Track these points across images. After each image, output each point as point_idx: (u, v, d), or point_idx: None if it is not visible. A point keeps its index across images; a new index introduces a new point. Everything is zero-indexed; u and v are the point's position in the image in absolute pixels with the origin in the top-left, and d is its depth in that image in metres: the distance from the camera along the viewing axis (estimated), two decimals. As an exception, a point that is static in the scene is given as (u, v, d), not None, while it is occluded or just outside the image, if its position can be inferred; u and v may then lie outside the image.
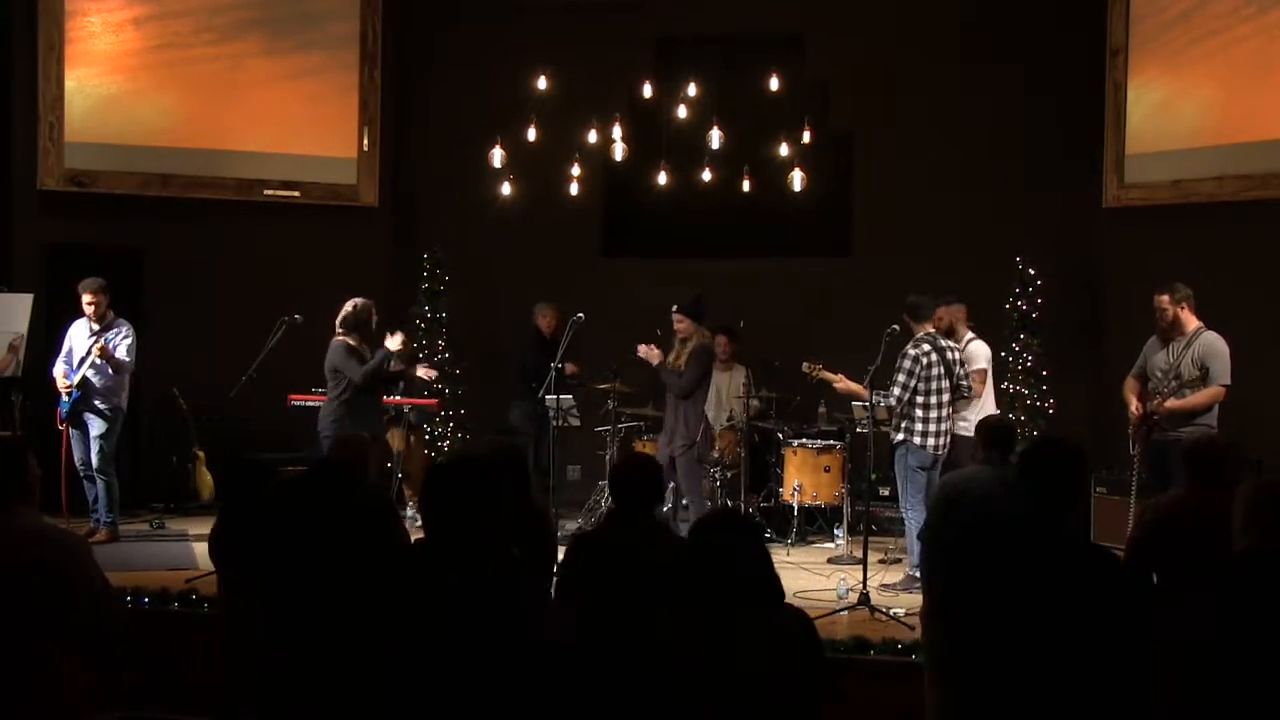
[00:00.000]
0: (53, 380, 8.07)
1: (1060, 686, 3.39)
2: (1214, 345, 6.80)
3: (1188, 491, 4.70)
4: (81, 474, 8.10)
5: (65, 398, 7.95)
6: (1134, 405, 6.98)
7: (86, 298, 8.00)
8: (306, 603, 4.19)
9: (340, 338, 7.69)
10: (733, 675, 3.31)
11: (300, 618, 4.19)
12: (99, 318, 8.03)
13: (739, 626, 3.36)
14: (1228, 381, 6.75)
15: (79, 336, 8.07)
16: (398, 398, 8.87)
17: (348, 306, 7.75)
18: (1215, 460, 4.68)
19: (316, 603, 4.14)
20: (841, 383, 7.59)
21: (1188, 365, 6.81)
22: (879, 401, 7.22)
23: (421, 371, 8.40)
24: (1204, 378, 6.71)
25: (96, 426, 8.01)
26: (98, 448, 7.99)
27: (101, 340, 7.90)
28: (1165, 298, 6.94)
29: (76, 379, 7.92)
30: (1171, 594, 4.32)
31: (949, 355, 7.37)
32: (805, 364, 8.13)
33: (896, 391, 7.20)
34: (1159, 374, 6.93)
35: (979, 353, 7.89)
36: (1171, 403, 6.75)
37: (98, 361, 7.91)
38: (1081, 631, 3.39)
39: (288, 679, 4.15)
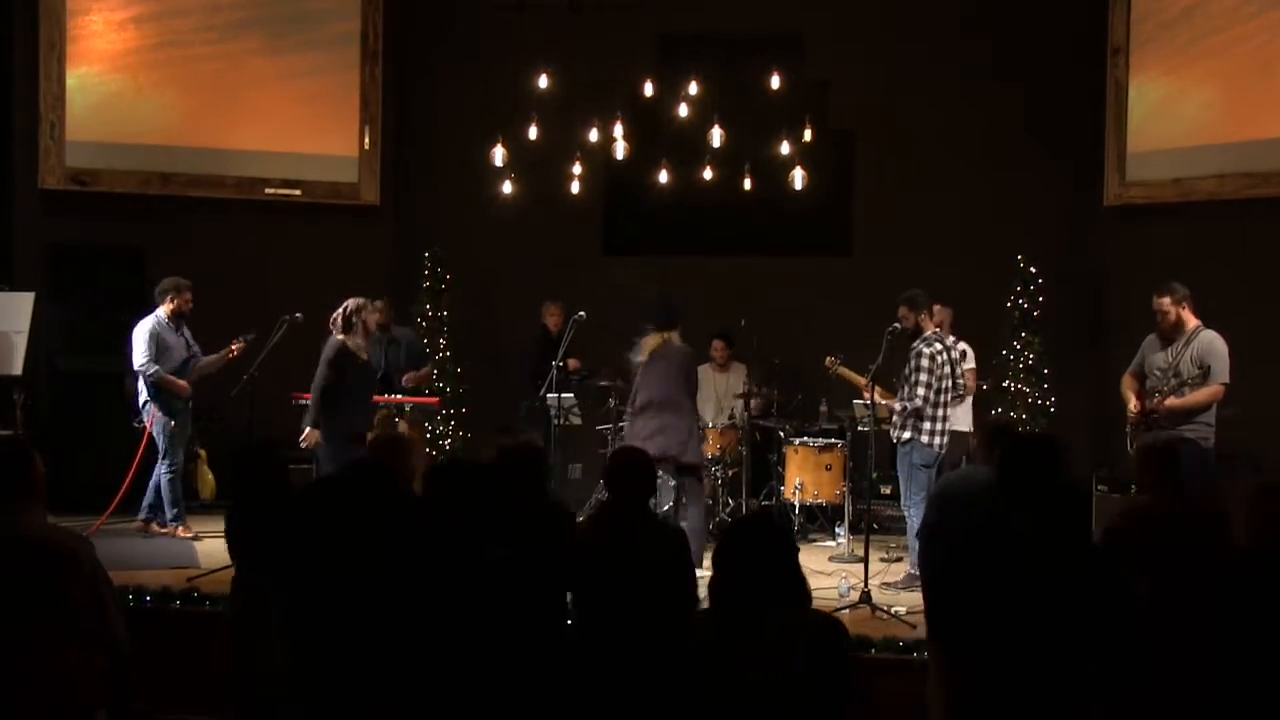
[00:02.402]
0: (139, 379, 8.20)
1: (1059, 682, 3.40)
2: (1213, 344, 6.80)
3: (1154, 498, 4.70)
4: (171, 471, 8.27)
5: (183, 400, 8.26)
6: (1133, 403, 6.97)
7: (187, 296, 8.27)
8: (342, 603, 4.16)
9: (336, 336, 7.77)
10: (757, 679, 3.30)
11: (336, 617, 4.16)
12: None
13: (764, 630, 3.35)
14: (1227, 380, 6.75)
15: (171, 336, 8.24)
16: (399, 396, 8.88)
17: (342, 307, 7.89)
18: (1166, 463, 4.70)
19: (352, 602, 4.11)
20: (869, 392, 7.46)
21: (1187, 364, 6.80)
22: (904, 406, 7.20)
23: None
24: (1204, 376, 6.71)
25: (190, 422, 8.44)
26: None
27: (242, 340, 8.27)
28: (1166, 299, 6.90)
29: (206, 368, 8.31)
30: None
31: (953, 354, 7.39)
32: (829, 358, 8.17)
33: (921, 392, 7.17)
34: (1158, 373, 6.92)
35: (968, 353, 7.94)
36: (1171, 401, 6.75)
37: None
38: (1075, 626, 3.41)
39: (319, 678, 4.13)
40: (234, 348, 8.28)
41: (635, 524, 4.55)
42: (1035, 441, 3.89)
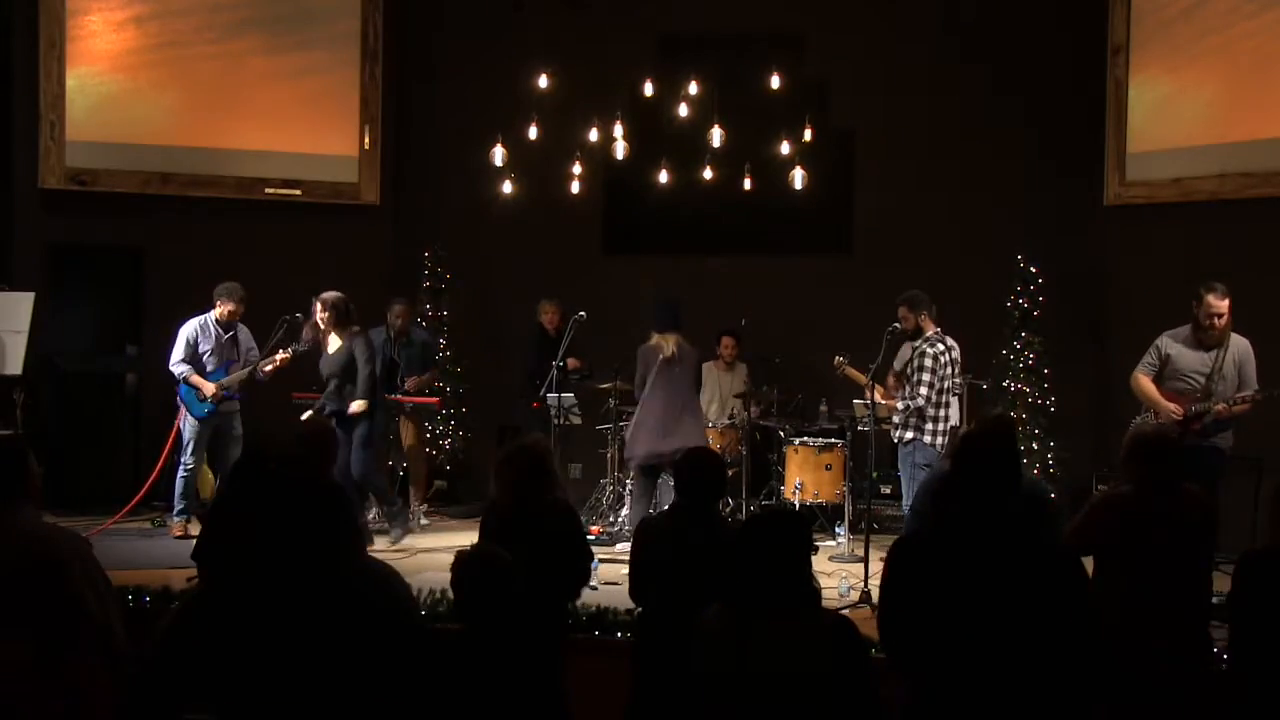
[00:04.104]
0: (175, 379, 8.26)
1: (1011, 673, 3.35)
2: (1248, 349, 6.70)
3: (1139, 488, 4.58)
4: (185, 469, 8.29)
5: (210, 402, 8.22)
6: (1171, 408, 6.69)
7: (233, 306, 8.31)
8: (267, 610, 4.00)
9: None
10: (781, 678, 3.28)
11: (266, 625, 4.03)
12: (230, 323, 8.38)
13: (786, 629, 3.32)
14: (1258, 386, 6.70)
15: (210, 340, 8.30)
16: (398, 395, 8.88)
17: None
18: (1153, 455, 4.59)
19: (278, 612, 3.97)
20: (870, 391, 7.39)
21: (1230, 369, 6.65)
22: (907, 405, 7.19)
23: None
24: (1242, 382, 6.65)
25: (239, 425, 8.39)
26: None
27: (289, 350, 8.16)
28: (1227, 301, 6.65)
29: (230, 381, 8.24)
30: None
31: (954, 354, 7.38)
32: (837, 358, 8.18)
33: (924, 391, 7.15)
34: (1195, 376, 6.71)
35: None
36: (1223, 408, 6.60)
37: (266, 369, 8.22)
38: (1028, 619, 3.35)
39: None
40: (278, 358, 8.18)
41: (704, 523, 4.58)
42: (991, 436, 3.75)
